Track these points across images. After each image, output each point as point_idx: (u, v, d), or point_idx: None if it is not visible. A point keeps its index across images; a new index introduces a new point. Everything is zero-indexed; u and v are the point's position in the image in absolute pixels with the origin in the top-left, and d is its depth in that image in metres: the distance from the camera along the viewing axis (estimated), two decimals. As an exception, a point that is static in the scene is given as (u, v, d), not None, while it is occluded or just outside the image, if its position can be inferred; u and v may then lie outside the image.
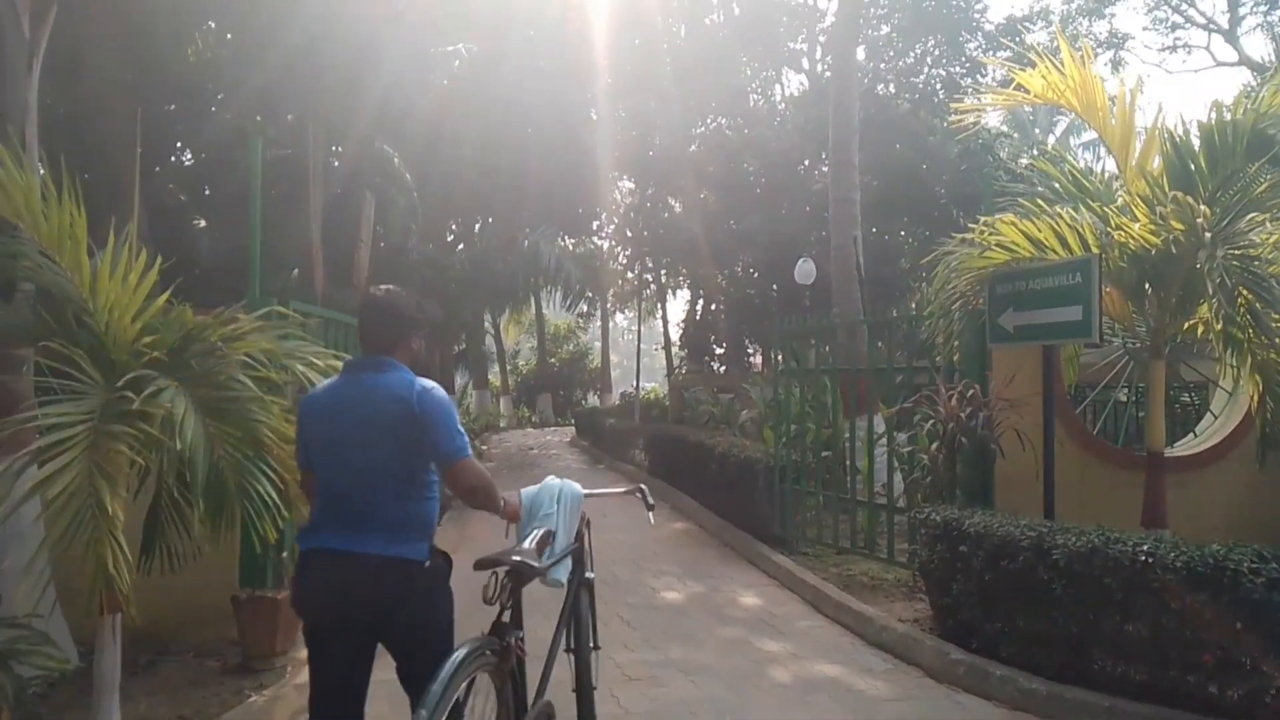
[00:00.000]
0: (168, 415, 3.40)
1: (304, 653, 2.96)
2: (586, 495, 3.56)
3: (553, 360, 36.30)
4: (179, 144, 9.19)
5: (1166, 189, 4.76)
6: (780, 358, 8.43)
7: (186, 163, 10.09)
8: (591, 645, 3.52)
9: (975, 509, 5.08)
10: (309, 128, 7.65)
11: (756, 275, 22.11)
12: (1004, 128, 24.92)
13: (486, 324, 33.98)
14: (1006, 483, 5.62)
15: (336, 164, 9.71)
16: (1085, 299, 4.69)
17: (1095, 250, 4.92)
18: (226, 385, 3.68)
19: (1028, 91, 5.38)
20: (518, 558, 2.80)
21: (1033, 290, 5.11)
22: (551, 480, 3.52)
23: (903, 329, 7.21)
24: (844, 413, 9.37)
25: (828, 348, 9.36)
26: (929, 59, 20.50)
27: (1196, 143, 4.73)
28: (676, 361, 29.27)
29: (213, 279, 8.58)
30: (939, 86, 19.52)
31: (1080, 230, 4.99)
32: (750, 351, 26.24)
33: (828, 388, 8.16)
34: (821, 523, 7.51)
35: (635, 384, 24.63)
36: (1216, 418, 6.53)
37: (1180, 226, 4.52)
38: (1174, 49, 22.72)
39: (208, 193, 9.50)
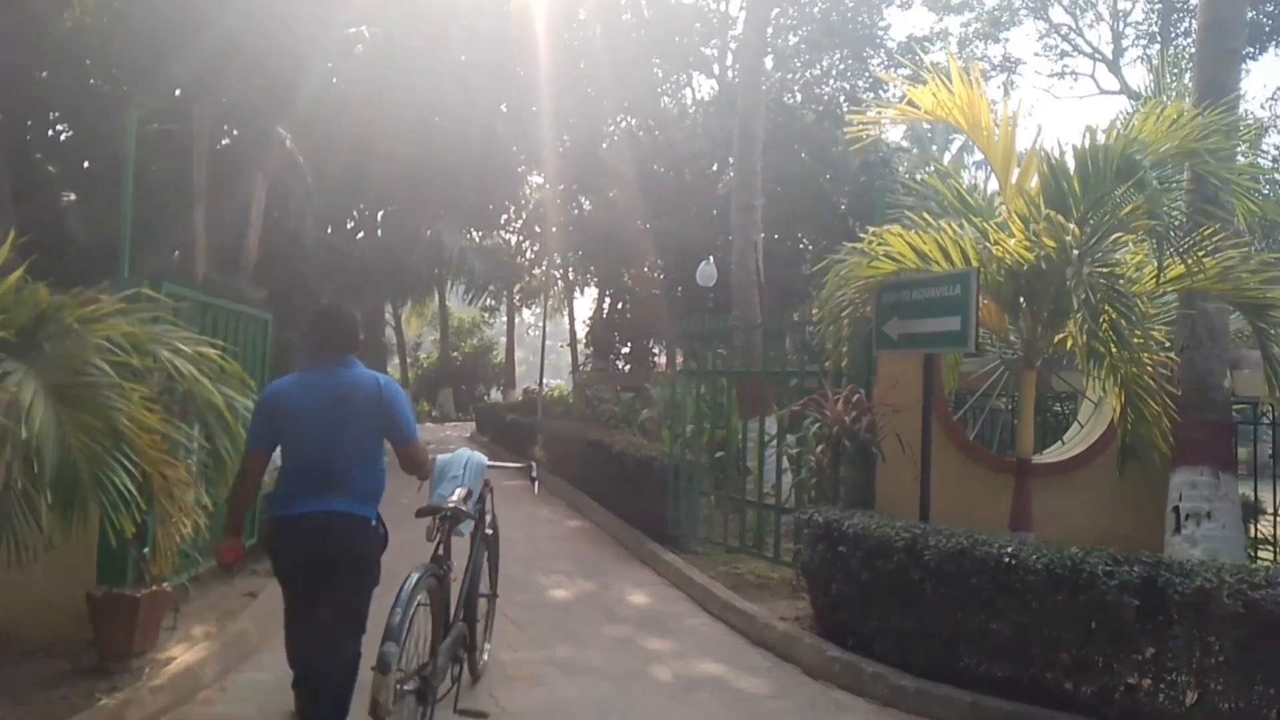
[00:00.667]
0: (13, 400, 3.17)
1: (163, 654, 3.97)
2: (490, 466, 4.44)
3: (455, 354, 35.71)
4: (53, 114, 8.60)
5: (1042, 208, 5.00)
6: (681, 358, 8.51)
7: (62, 136, 9.49)
8: (491, 592, 4.41)
9: (856, 511, 5.22)
10: (194, 102, 7.27)
11: (663, 276, 22.27)
12: (904, 142, 25.86)
13: (388, 315, 33.23)
14: (888, 485, 5.80)
15: (226, 143, 9.28)
16: (964, 310, 4.88)
17: (975, 264, 5.13)
18: (82, 370, 3.46)
19: (918, 108, 5.56)
20: (454, 505, 3.77)
21: (916, 300, 5.29)
22: (462, 450, 4.35)
23: (797, 334, 7.36)
24: (739, 414, 9.55)
25: (725, 350, 9.49)
26: (834, 72, 21.08)
27: (1071, 165, 4.98)
28: (582, 359, 29.23)
29: (89, 258, 8.09)
30: (843, 99, 20.08)
31: (962, 244, 5.19)
32: (655, 352, 26.44)
33: (724, 389, 8.28)
34: (713, 522, 7.61)
35: (539, 380, 24.50)
36: (1082, 427, 6.91)
37: (1052, 244, 4.76)
38: (1062, 75, 24.04)
39: (86, 166, 8.92)
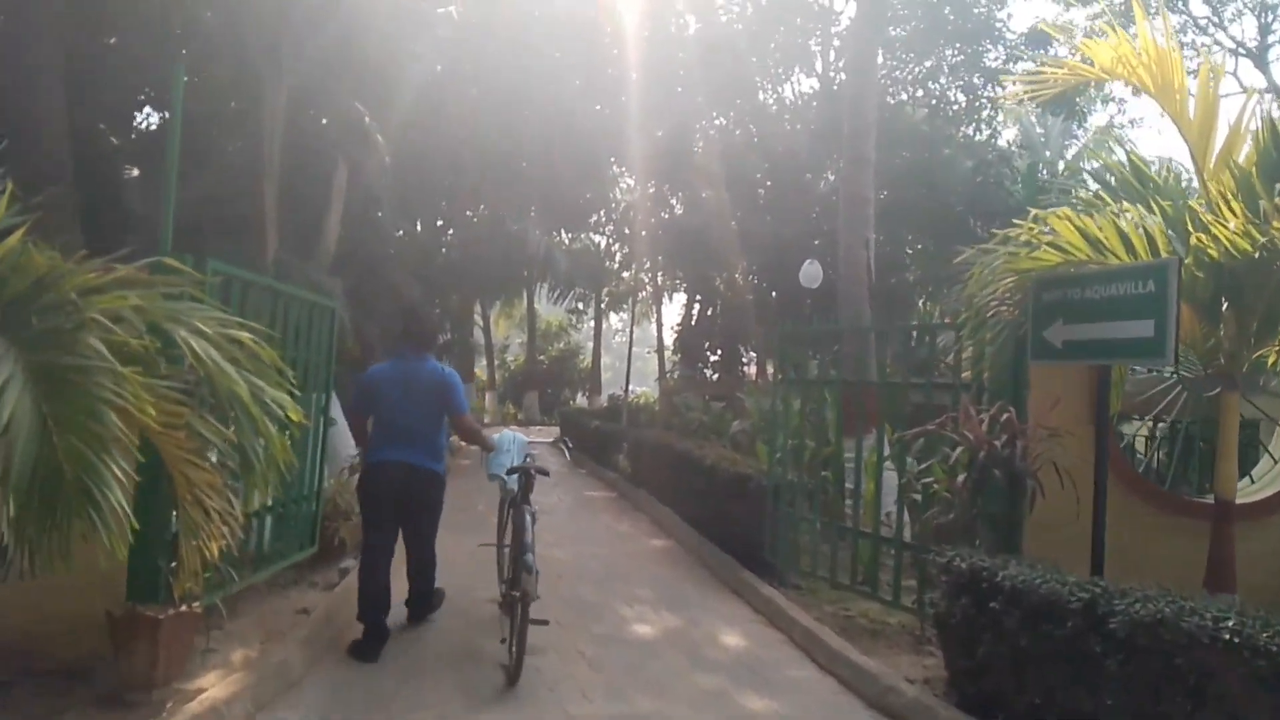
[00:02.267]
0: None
1: (192, 684, 4.02)
2: (529, 442, 5.88)
3: (542, 358, 35.42)
4: (119, 85, 8.25)
5: (1258, 185, 3.96)
6: (778, 366, 7.62)
7: (141, 120, 9.25)
8: (532, 558, 4.72)
9: (1010, 558, 4.25)
10: (266, 76, 6.80)
11: (756, 280, 21.31)
12: (1014, 147, 24.21)
13: (476, 315, 33.16)
14: (1034, 526, 4.80)
15: (305, 125, 8.87)
16: (1159, 312, 3.87)
17: (1165, 254, 4.12)
18: (76, 350, 2.85)
19: (1092, 64, 4.57)
20: (535, 465, 5.35)
21: (1090, 299, 4.30)
22: (507, 432, 5.80)
23: (923, 340, 6.39)
24: (846, 430, 8.58)
25: (830, 358, 8.55)
26: (945, 68, 19.72)
27: (1303, 131, 3.93)
28: (669, 366, 28.45)
29: (152, 236, 7.73)
30: (957, 95, 18.76)
31: (1149, 230, 4.19)
32: (745, 360, 25.44)
33: (829, 401, 7.37)
34: (816, 551, 6.68)
35: (625, 386, 23.81)
36: (1277, 461, 5.74)
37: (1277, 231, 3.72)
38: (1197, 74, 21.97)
39: (152, 140, 8.58)
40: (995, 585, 4.04)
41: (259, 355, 3.57)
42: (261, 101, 6.88)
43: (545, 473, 5.52)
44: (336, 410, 10.02)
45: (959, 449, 4.60)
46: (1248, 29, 21.70)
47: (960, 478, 4.58)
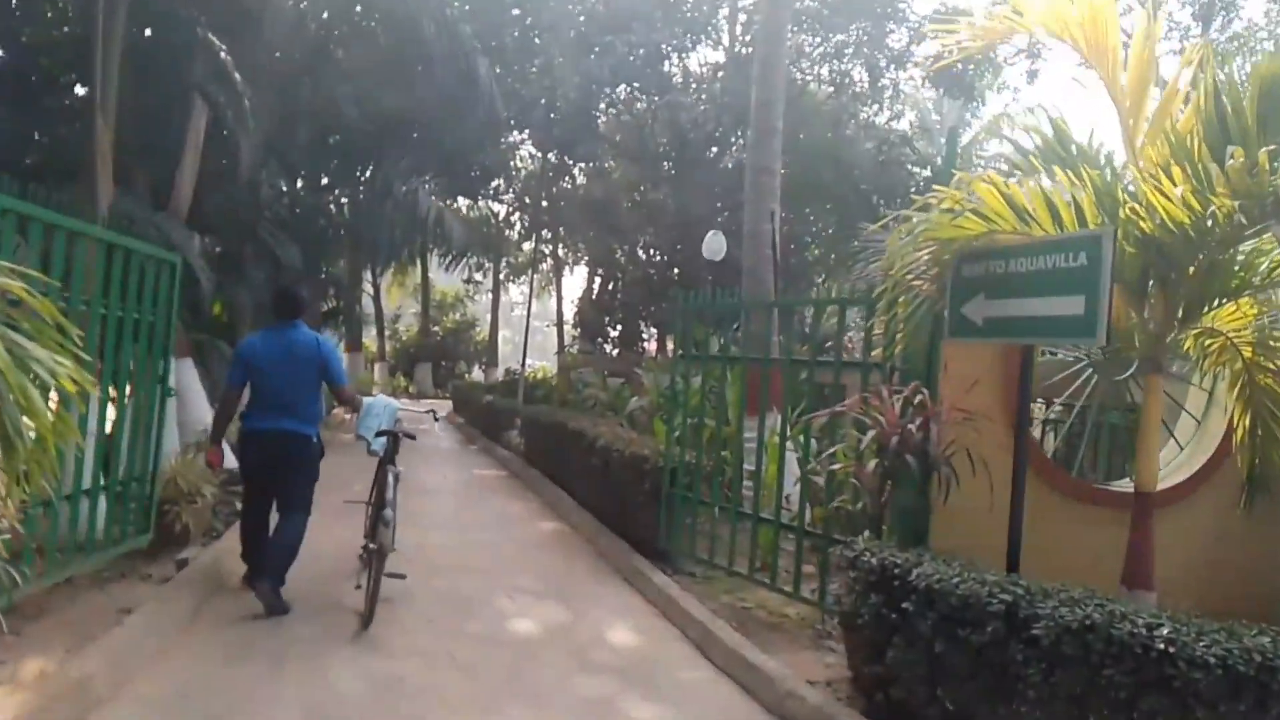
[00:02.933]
0: None
1: None
2: (400, 409, 5.99)
3: (436, 329, 34.19)
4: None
5: (1199, 150, 3.67)
6: (678, 342, 7.17)
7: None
8: (390, 518, 5.13)
9: (920, 552, 3.89)
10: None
11: (659, 256, 20.90)
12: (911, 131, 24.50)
13: (367, 284, 31.67)
14: (951, 516, 4.48)
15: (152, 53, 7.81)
16: (1091, 287, 3.55)
17: (1095, 226, 3.81)
18: None
19: (1021, 15, 4.21)
20: (403, 428, 5.76)
21: (1015, 273, 3.96)
22: (380, 397, 6.07)
23: (828, 316, 6.03)
24: (748, 410, 8.23)
25: (732, 334, 8.16)
26: (849, 47, 19.63)
27: (1246, 97, 3.65)
28: (569, 340, 27.83)
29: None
30: (861, 74, 18.67)
31: (1078, 202, 3.86)
32: (645, 336, 25.07)
33: (729, 379, 6.98)
34: (714, 537, 6.26)
35: (522, 361, 23.05)
36: (1182, 448, 5.63)
37: (1225, 200, 3.42)
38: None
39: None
40: (908, 584, 3.67)
41: (38, 311, 2.83)
42: (93, 19, 5.90)
43: (412, 436, 5.93)
44: (190, 377, 9.09)
45: (869, 432, 4.22)
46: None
47: (871, 464, 4.19)
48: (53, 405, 3.43)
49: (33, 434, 2.70)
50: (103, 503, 5.36)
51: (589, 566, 6.86)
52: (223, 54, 7.65)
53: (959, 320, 4.29)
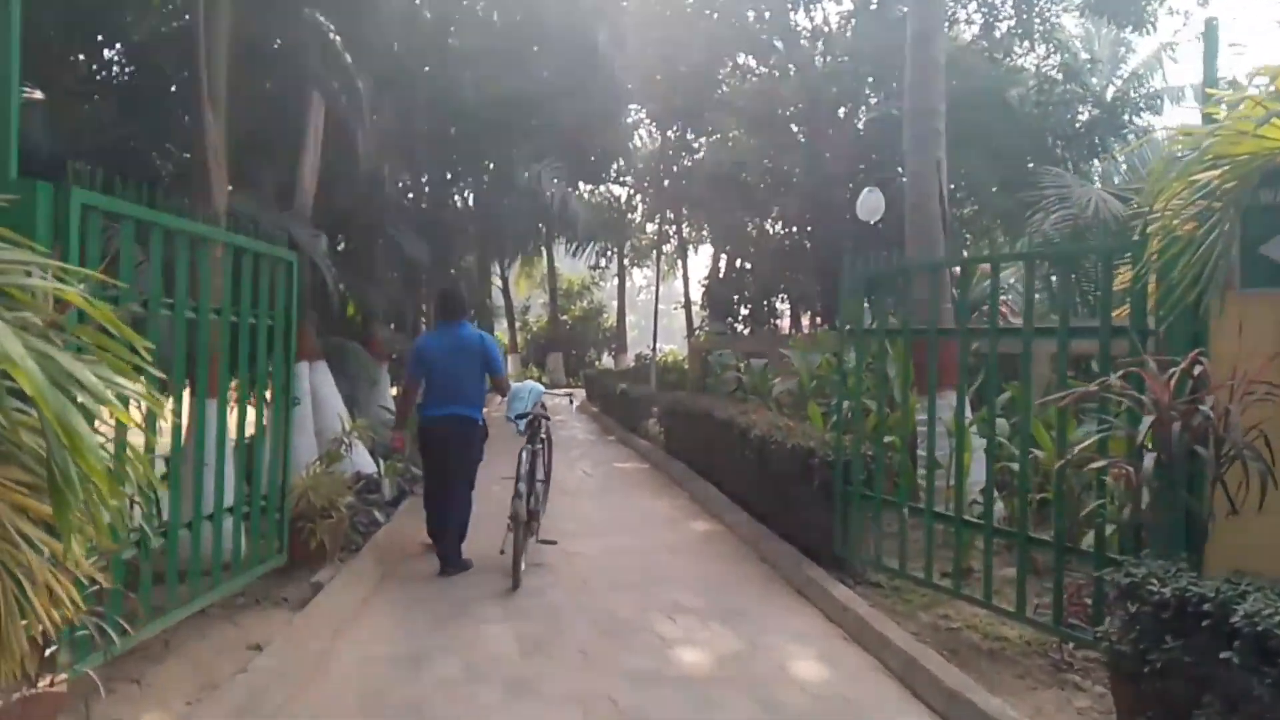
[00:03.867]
0: None
1: None
2: (545, 392, 7.41)
3: (565, 318, 34.12)
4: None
5: None
6: (843, 314, 6.23)
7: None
8: (545, 479, 7.08)
9: (1238, 581, 2.88)
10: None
11: (790, 229, 19.73)
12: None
13: (495, 277, 31.88)
14: (1236, 522, 3.41)
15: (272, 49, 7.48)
16: None
17: None
18: None
19: None
20: (541, 412, 6.80)
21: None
22: (528, 382, 7.56)
23: (1068, 272, 4.93)
24: (916, 388, 7.25)
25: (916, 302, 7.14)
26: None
27: None
28: (698, 322, 27.03)
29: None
30: (1009, 15, 16.84)
31: None
32: (779, 312, 23.94)
33: (892, 355, 5.98)
34: (902, 540, 5.33)
35: (652, 345, 22.47)
36: None
37: None
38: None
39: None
40: (1228, 625, 2.69)
41: (106, 324, 2.27)
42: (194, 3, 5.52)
43: (547, 418, 6.99)
44: (324, 382, 8.83)
45: (1146, 419, 3.20)
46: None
47: (1148, 458, 3.17)
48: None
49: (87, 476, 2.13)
50: (230, 524, 4.99)
51: (755, 577, 6.06)
52: (335, 40, 7.21)
53: (1256, 265, 3.22)
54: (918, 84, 7.62)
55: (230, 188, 7.65)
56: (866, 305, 6.16)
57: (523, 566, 5.70)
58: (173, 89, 7.06)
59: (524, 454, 6.16)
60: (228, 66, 6.28)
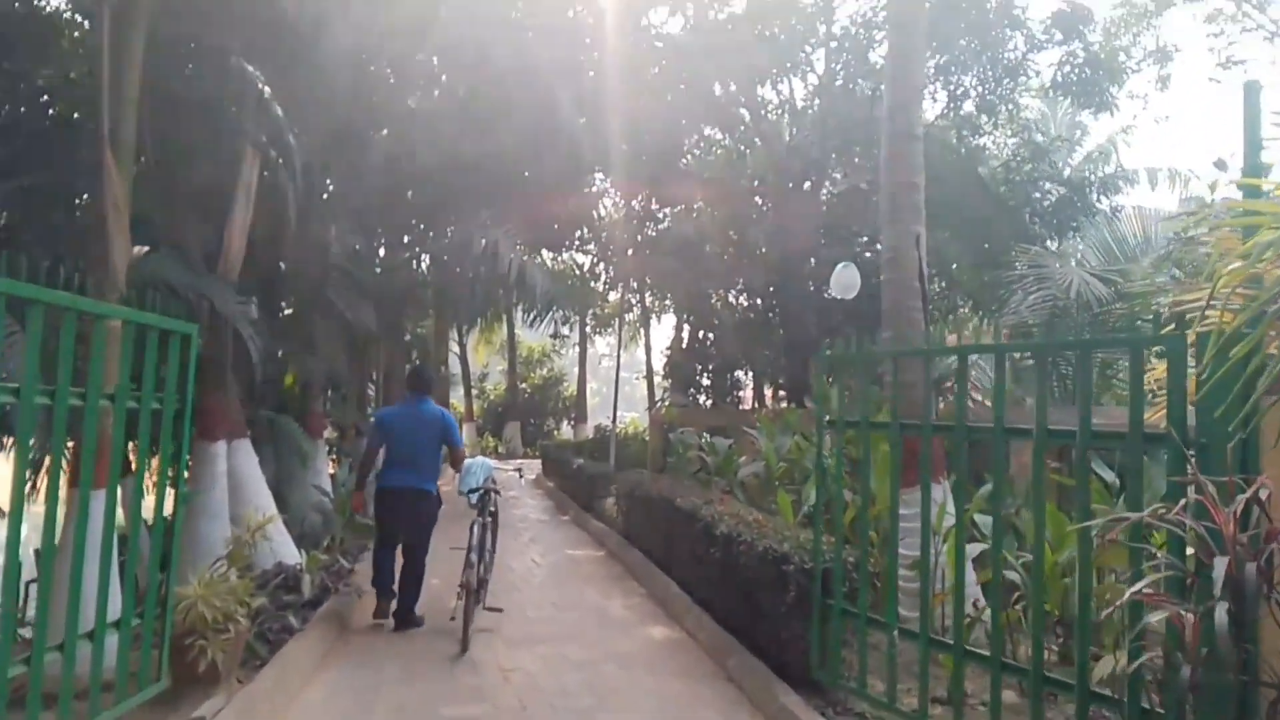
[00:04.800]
0: None
1: None
2: (495, 468, 7.52)
3: (524, 385, 33.34)
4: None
5: None
6: (820, 403, 5.63)
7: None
8: (491, 549, 7.22)
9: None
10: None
11: (754, 301, 19.34)
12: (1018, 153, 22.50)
13: (452, 342, 31.11)
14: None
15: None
16: None
17: None
18: None
19: None
20: (491, 486, 7.02)
21: None
22: (479, 458, 7.55)
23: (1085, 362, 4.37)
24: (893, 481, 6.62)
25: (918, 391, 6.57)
26: (958, 63, 17.90)
27: None
28: (659, 393, 26.41)
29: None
30: (972, 90, 16.90)
31: None
32: (742, 384, 23.41)
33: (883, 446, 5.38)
34: (889, 664, 4.64)
35: (613, 417, 21.73)
36: None
37: None
38: (1228, 65, 20.20)
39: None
40: None
41: None
42: (99, 47, 4.89)
43: (497, 492, 7.25)
44: (245, 462, 7.99)
45: (1218, 561, 2.59)
46: None
47: (1220, 610, 2.54)
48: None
49: None
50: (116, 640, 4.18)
51: (720, 701, 5.28)
52: (266, 92, 6.61)
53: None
54: (895, 156, 7.22)
55: (146, 248, 6.98)
56: (840, 391, 5.57)
57: (472, 631, 6.12)
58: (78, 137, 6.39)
59: (475, 526, 6.57)
60: (148, 114, 5.66)
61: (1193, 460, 2.98)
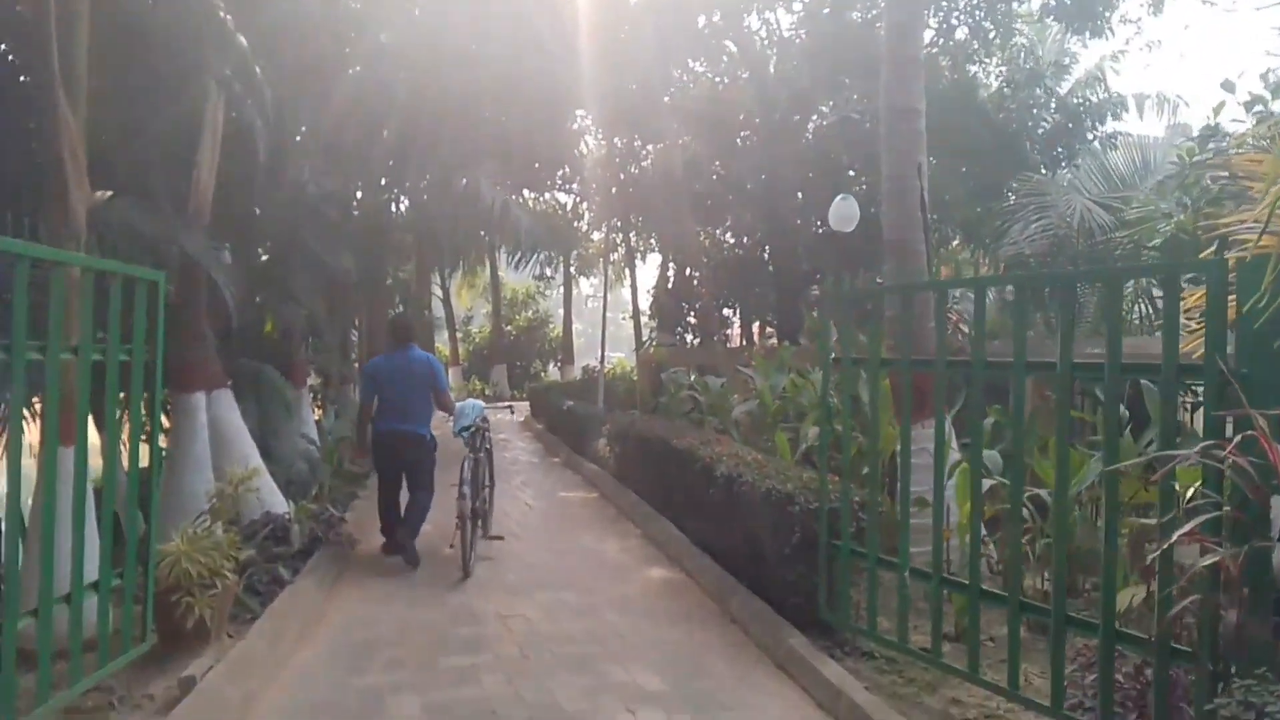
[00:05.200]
0: None
1: None
2: (486, 408, 8.04)
3: (509, 328, 32.99)
4: None
5: None
6: (820, 342, 5.42)
7: None
8: (489, 483, 7.91)
9: None
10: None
11: (742, 239, 19.00)
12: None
13: (435, 286, 30.65)
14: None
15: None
16: None
17: None
18: None
19: None
20: (483, 425, 7.59)
21: None
22: (470, 400, 8.04)
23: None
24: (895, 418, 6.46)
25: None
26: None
27: None
28: (646, 333, 26.16)
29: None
30: (965, 20, 16.37)
31: None
32: (729, 322, 23.18)
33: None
34: (902, 604, 4.54)
35: (600, 358, 21.52)
36: None
37: None
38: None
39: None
40: None
41: None
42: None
43: (489, 430, 7.92)
44: (226, 411, 7.74)
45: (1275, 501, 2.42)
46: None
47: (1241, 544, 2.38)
48: None
49: None
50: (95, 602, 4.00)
51: (725, 645, 5.19)
52: (228, 20, 6.18)
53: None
54: (895, 81, 6.89)
55: (110, 192, 6.61)
56: (845, 327, 5.35)
57: (472, 559, 6.64)
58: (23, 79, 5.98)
59: (466, 462, 6.89)
60: (106, 48, 5.27)
61: (1238, 392, 2.79)
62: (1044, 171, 10.07)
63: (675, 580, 6.61)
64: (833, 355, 5.01)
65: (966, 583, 4.09)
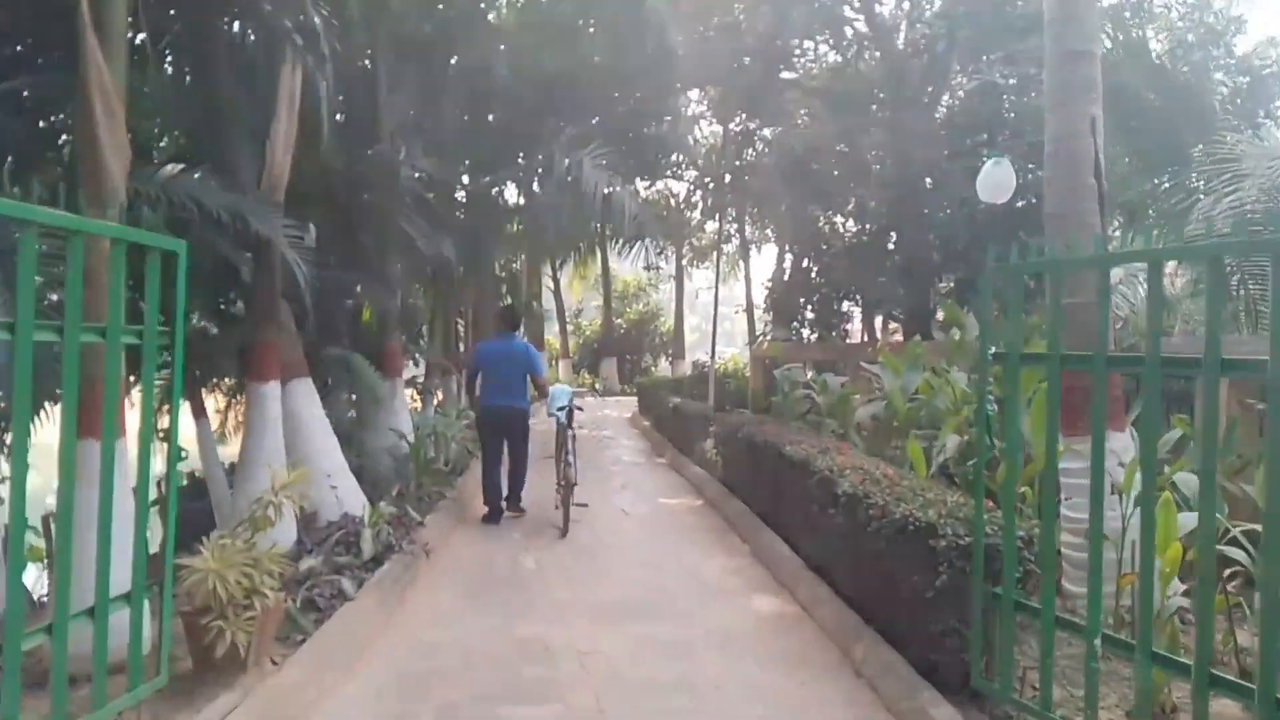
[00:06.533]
0: None
1: None
2: (574, 392, 9.08)
3: (620, 321, 32.39)
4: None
5: None
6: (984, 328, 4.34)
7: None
8: (573, 462, 8.12)
9: None
10: None
11: (866, 225, 17.58)
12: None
13: (546, 278, 30.40)
14: None
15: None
16: None
17: None
18: None
19: None
20: (575, 406, 8.64)
21: None
22: (559, 385, 9.35)
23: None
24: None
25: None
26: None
27: None
28: (760, 327, 24.97)
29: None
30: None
31: None
32: (849, 316, 21.72)
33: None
34: (1088, 674, 3.45)
35: (711, 353, 20.56)
36: None
37: None
38: None
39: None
40: None
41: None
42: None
43: (580, 409, 8.97)
44: (305, 402, 7.24)
45: None
46: None
47: None
48: None
49: None
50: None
51: (848, 704, 4.19)
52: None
53: None
54: (1062, 20, 5.69)
55: (181, 165, 6.17)
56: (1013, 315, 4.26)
57: (569, 520, 7.75)
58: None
59: (565, 434, 8.06)
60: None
61: None
62: (1230, 138, 8.53)
63: (787, 613, 5.63)
64: (993, 349, 3.92)
65: (1189, 662, 2.97)
